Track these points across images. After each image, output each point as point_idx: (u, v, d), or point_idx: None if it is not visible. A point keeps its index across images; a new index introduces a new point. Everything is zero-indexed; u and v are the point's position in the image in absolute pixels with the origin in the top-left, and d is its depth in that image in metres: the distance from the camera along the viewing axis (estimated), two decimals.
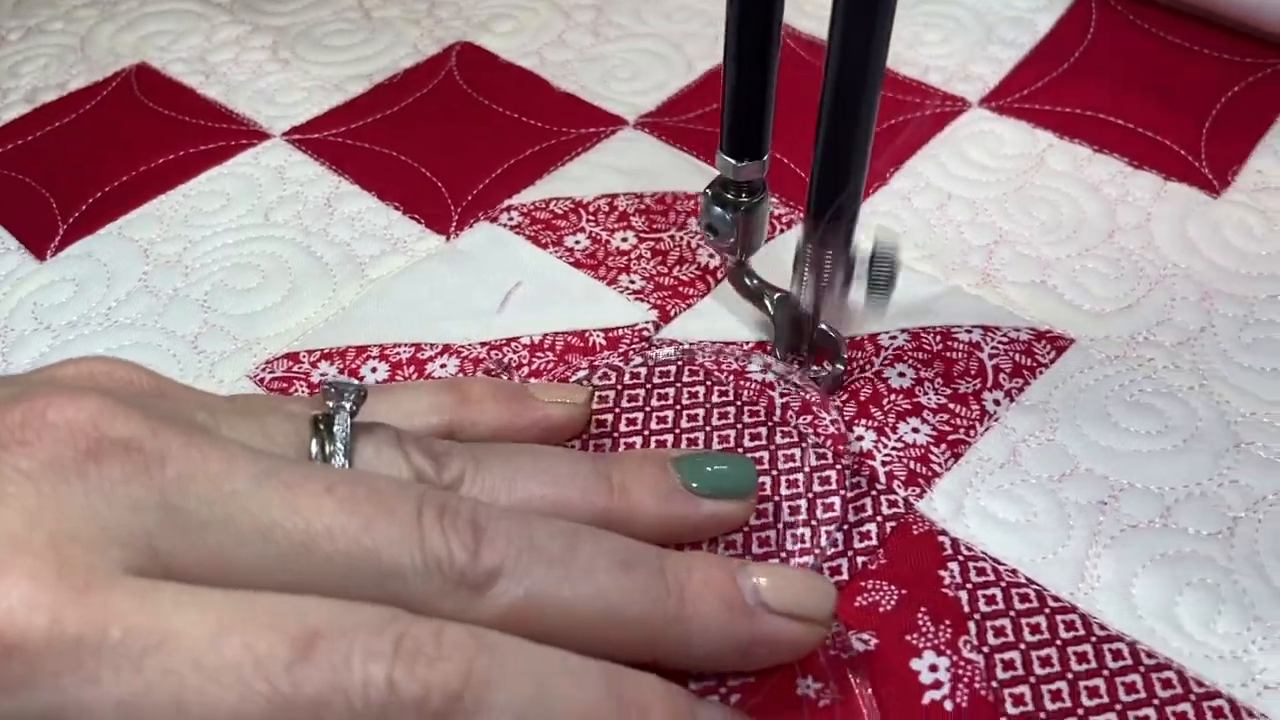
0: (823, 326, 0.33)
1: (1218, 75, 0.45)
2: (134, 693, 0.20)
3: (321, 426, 0.26)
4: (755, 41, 0.30)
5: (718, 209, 0.33)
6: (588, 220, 0.39)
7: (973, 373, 0.34)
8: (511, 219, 0.40)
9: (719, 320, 0.36)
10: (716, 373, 0.34)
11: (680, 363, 0.34)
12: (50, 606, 0.20)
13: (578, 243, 0.39)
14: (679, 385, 0.33)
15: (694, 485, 0.28)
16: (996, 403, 0.33)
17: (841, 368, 0.33)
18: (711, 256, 0.38)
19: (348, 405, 0.26)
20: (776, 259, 0.36)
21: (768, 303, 0.34)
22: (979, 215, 0.40)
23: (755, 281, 0.35)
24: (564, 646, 0.24)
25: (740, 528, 0.29)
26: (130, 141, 0.44)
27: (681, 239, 0.38)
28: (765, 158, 0.32)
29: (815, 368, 0.33)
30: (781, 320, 0.34)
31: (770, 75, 0.30)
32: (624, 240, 0.39)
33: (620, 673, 0.24)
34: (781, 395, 0.33)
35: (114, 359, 0.26)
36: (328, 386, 0.26)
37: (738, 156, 0.32)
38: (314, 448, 0.26)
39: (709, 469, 0.29)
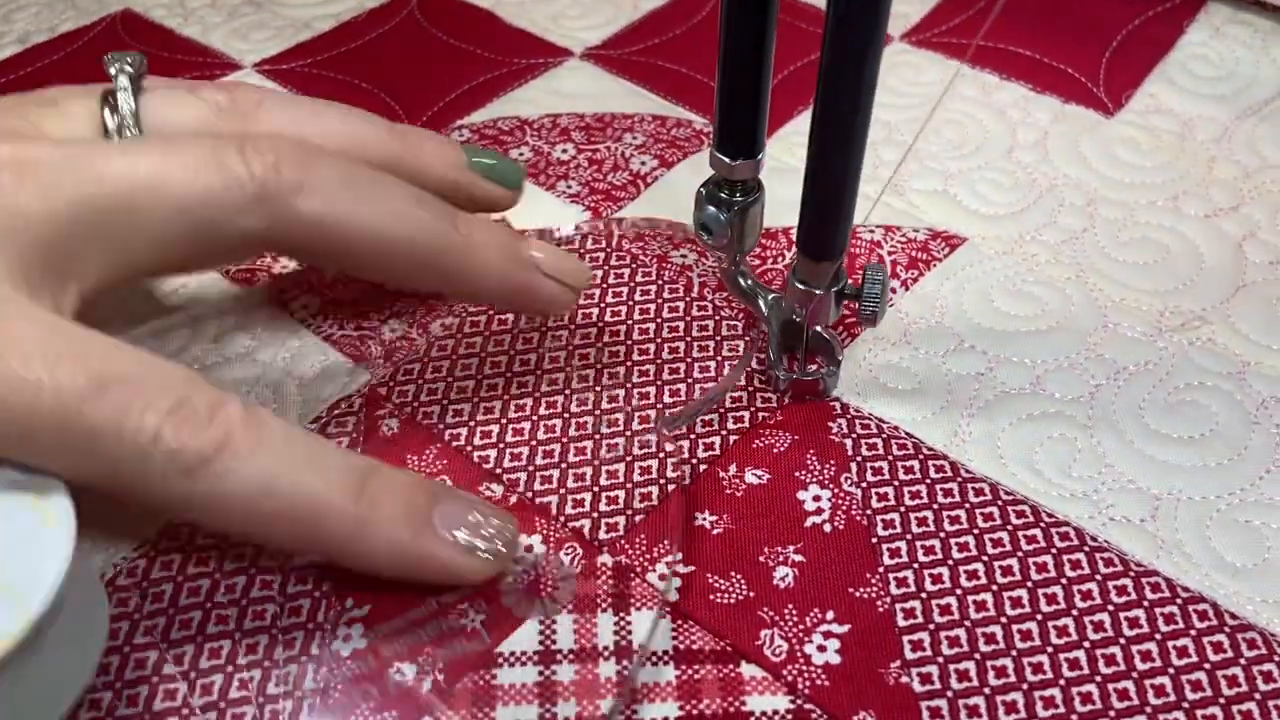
0: (817, 329, 0.33)
1: (1119, 11, 0.49)
2: None
3: (109, 99, 0.29)
4: (749, 38, 0.29)
5: (711, 208, 0.32)
6: (531, 135, 0.43)
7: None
8: (462, 135, 0.43)
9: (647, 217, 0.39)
10: (641, 256, 0.37)
11: (608, 250, 0.37)
12: None
13: (521, 154, 0.42)
14: (606, 268, 0.37)
15: (473, 161, 0.33)
16: (893, 290, 0.37)
17: (837, 370, 0.33)
18: (643, 164, 0.41)
19: (129, 71, 0.29)
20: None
21: (762, 304, 0.34)
22: (892, 134, 0.43)
23: (749, 282, 0.34)
24: (361, 267, 0.29)
25: (504, 208, 0.35)
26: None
27: (616, 150, 0.42)
28: (760, 156, 0.31)
29: (811, 368, 0.34)
30: (776, 323, 0.34)
31: (765, 72, 0.30)
32: (564, 152, 0.42)
33: (368, 465, 0.27)
34: (699, 276, 0.37)
35: None
36: (108, 58, 0.30)
37: (732, 155, 0.31)
38: (107, 120, 0.29)
39: (486, 159, 0.34)
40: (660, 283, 0.36)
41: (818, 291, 0.31)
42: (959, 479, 0.31)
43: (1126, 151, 0.42)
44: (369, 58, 0.48)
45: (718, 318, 0.35)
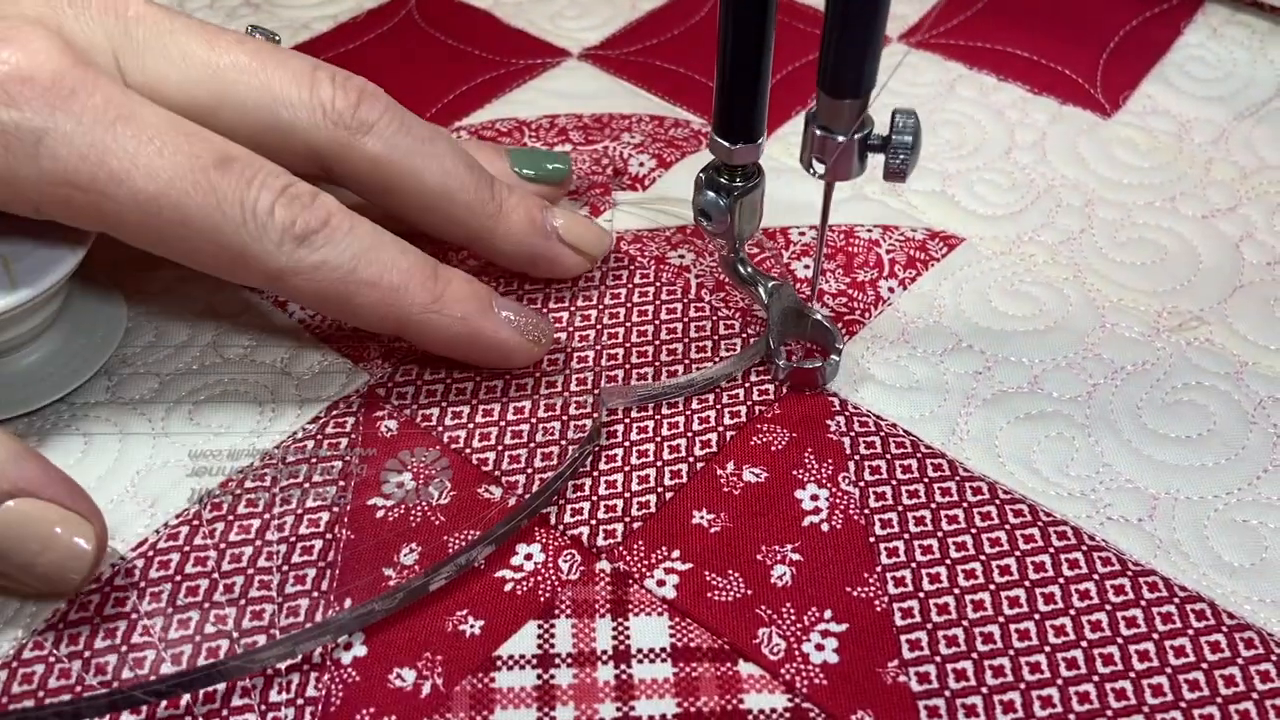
0: (818, 317, 0.33)
1: (1117, 12, 0.49)
2: (103, 140, 0.28)
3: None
4: (750, 20, 0.28)
5: (711, 194, 0.31)
6: (529, 136, 0.43)
7: (871, 264, 0.37)
8: (460, 137, 0.43)
9: (645, 217, 0.39)
10: (639, 258, 0.37)
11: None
12: (57, 63, 0.28)
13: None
14: (603, 269, 0.37)
15: (519, 172, 0.37)
16: (890, 289, 0.37)
17: (838, 359, 0.33)
18: (641, 165, 0.41)
19: (266, 39, 0.33)
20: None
21: (762, 291, 0.34)
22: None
23: (749, 269, 0.34)
24: (405, 208, 0.33)
25: (552, 200, 0.37)
26: None
27: (615, 150, 0.42)
28: (760, 141, 0.30)
29: (811, 359, 0.34)
30: (776, 310, 0.33)
31: (765, 55, 0.29)
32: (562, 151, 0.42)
33: (438, 262, 0.32)
34: (696, 277, 0.37)
35: None
36: (249, 30, 0.34)
37: (732, 139, 0.30)
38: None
39: (528, 168, 0.37)
40: (658, 284, 0.36)
41: (839, 138, 0.28)
42: (957, 477, 0.31)
43: (1124, 152, 0.42)
44: (367, 59, 0.48)
45: (715, 318, 0.35)
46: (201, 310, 0.35)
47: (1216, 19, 0.48)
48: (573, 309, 0.36)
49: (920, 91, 0.46)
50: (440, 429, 0.32)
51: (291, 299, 0.35)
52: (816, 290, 0.34)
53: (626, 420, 0.33)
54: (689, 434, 0.32)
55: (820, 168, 0.30)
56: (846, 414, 0.33)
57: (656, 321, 0.35)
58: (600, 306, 0.36)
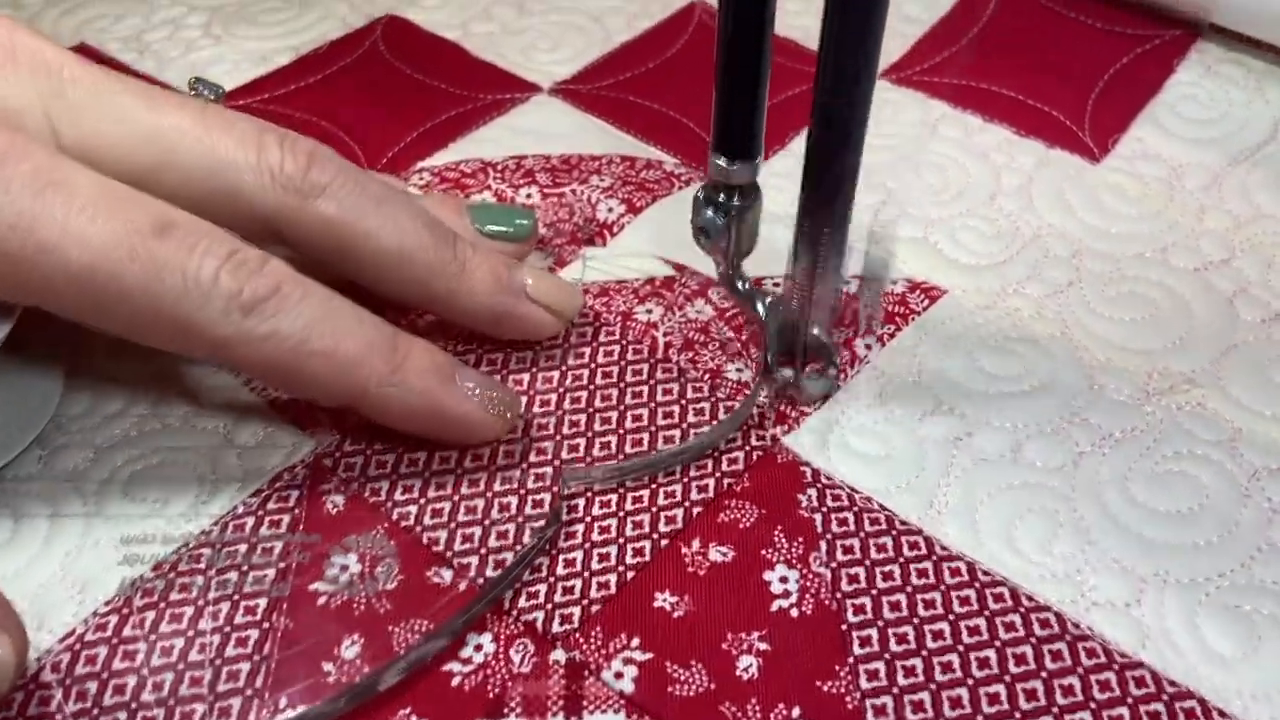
0: (815, 333, 0.33)
1: (1107, 47, 0.47)
2: (31, 209, 0.26)
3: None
4: (748, 36, 0.28)
5: (709, 212, 0.32)
6: (494, 178, 0.41)
7: (846, 322, 0.36)
8: (422, 179, 0.41)
9: (611, 269, 0.38)
10: (605, 314, 0.36)
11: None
12: None
13: (484, 200, 0.40)
14: (569, 327, 0.35)
15: (483, 229, 0.35)
16: (868, 347, 0.35)
17: (834, 374, 0.33)
18: (610, 210, 0.40)
19: (208, 96, 0.32)
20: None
21: (760, 308, 0.34)
22: (871, 177, 0.42)
23: (747, 285, 0.34)
24: (361, 271, 0.31)
25: (517, 258, 0.35)
26: None
27: (583, 194, 0.40)
28: (758, 159, 0.31)
29: (808, 374, 0.33)
30: (774, 325, 0.33)
31: (764, 71, 0.29)
32: (528, 196, 0.40)
33: (397, 330, 0.30)
34: (665, 335, 0.35)
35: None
36: (193, 82, 0.32)
37: (730, 157, 0.30)
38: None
39: (494, 224, 0.36)
40: (624, 343, 0.35)
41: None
42: (934, 557, 0.30)
43: (1113, 199, 0.41)
44: (327, 93, 0.46)
45: (683, 381, 0.34)
46: (141, 372, 0.34)
47: (1210, 57, 0.47)
48: (534, 371, 0.34)
49: (902, 131, 0.44)
50: (390, 504, 0.30)
51: (238, 370, 0.33)
52: (812, 305, 0.33)
53: (588, 493, 0.31)
54: (653, 508, 0.31)
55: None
56: (819, 486, 0.31)
57: (621, 384, 0.34)
58: (563, 368, 0.34)
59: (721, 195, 0.31)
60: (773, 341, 0.33)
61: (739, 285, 0.34)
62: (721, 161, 0.30)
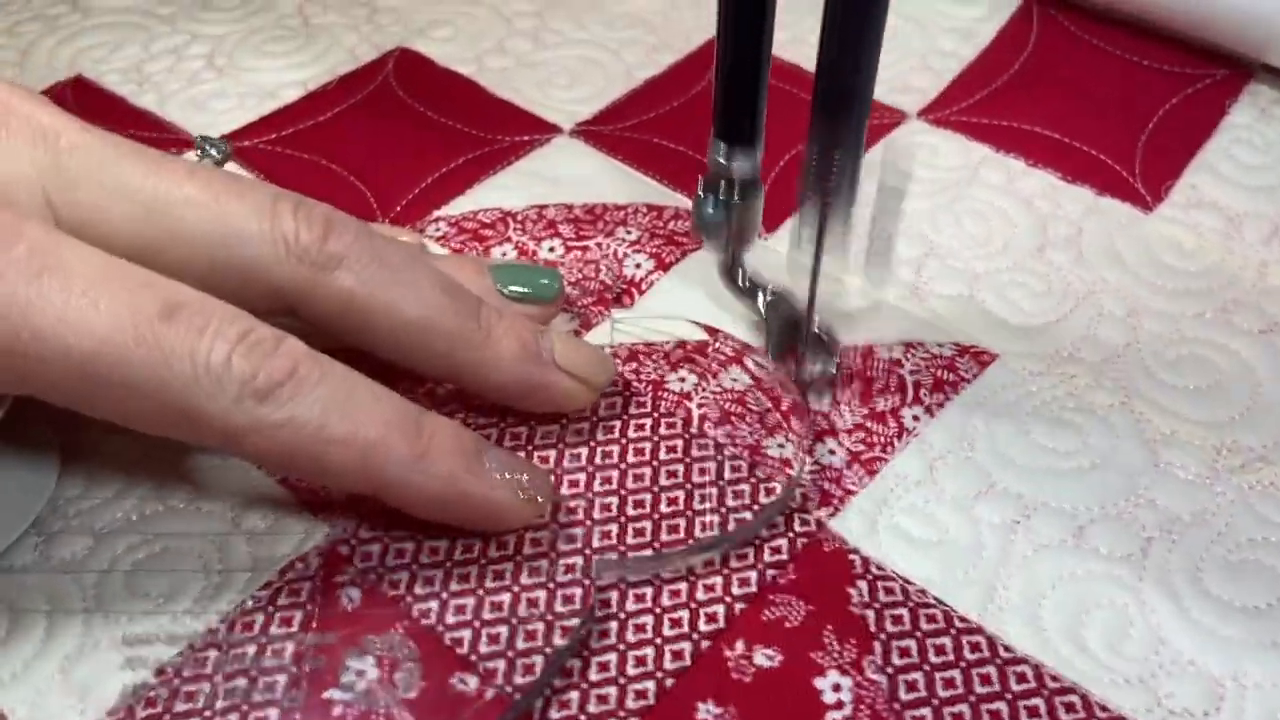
0: (816, 329, 0.33)
1: (1156, 87, 0.45)
2: (26, 295, 0.24)
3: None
4: (748, 19, 0.29)
5: (710, 205, 0.32)
6: (515, 229, 0.39)
7: (892, 389, 0.34)
8: (439, 230, 0.39)
9: (642, 330, 0.36)
10: (635, 382, 0.33)
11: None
12: None
13: (504, 253, 0.38)
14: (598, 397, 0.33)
15: (505, 290, 0.33)
16: (916, 418, 0.33)
17: (833, 369, 0.33)
18: (639, 267, 0.38)
19: (215, 158, 0.31)
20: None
21: (760, 302, 0.34)
22: (910, 226, 0.40)
23: (747, 280, 0.34)
24: (380, 344, 0.29)
25: (543, 321, 0.33)
26: None
27: (609, 247, 0.38)
28: (758, 151, 0.31)
29: (808, 368, 0.33)
30: (774, 320, 0.33)
31: (764, 54, 0.29)
32: (550, 250, 0.38)
33: (420, 409, 0.28)
34: (699, 406, 0.33)
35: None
36: (199, 141, 0.30)
37: (730, 140, 0.31)
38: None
39: (518, 285, 0.33)
40: (656, 415, 0.32)
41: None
42: (997, 660, 0.28)
43: (1169, 253, 0.39)
44: (338, 132, 0.44)
45: (720, 458, 0.31)
46: (141, 448, 0.31)
47: (1264, 98, 0.45)
48: (560, 447, 0.32)
49: (941, 176, 0.42)
50: (409, 599, 0.28)
51: (251, 460, 0.31)
52: (813, 304, 0.32)
53: (622, 585, 0.29)
54: (692, 603, 0.29)
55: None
56: (869, 578, 0.29)
57: (655, 462, 0.31)
58: (592, 444, 0.32)
59: (722, 189, 0.32)
60: (773, 335, 0.33)
61: (739, 280, 0.34)
62: (721, 151, 0.31)
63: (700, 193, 0.32)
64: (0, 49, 0.49)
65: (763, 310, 0.34)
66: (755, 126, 0.31)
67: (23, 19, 0.51)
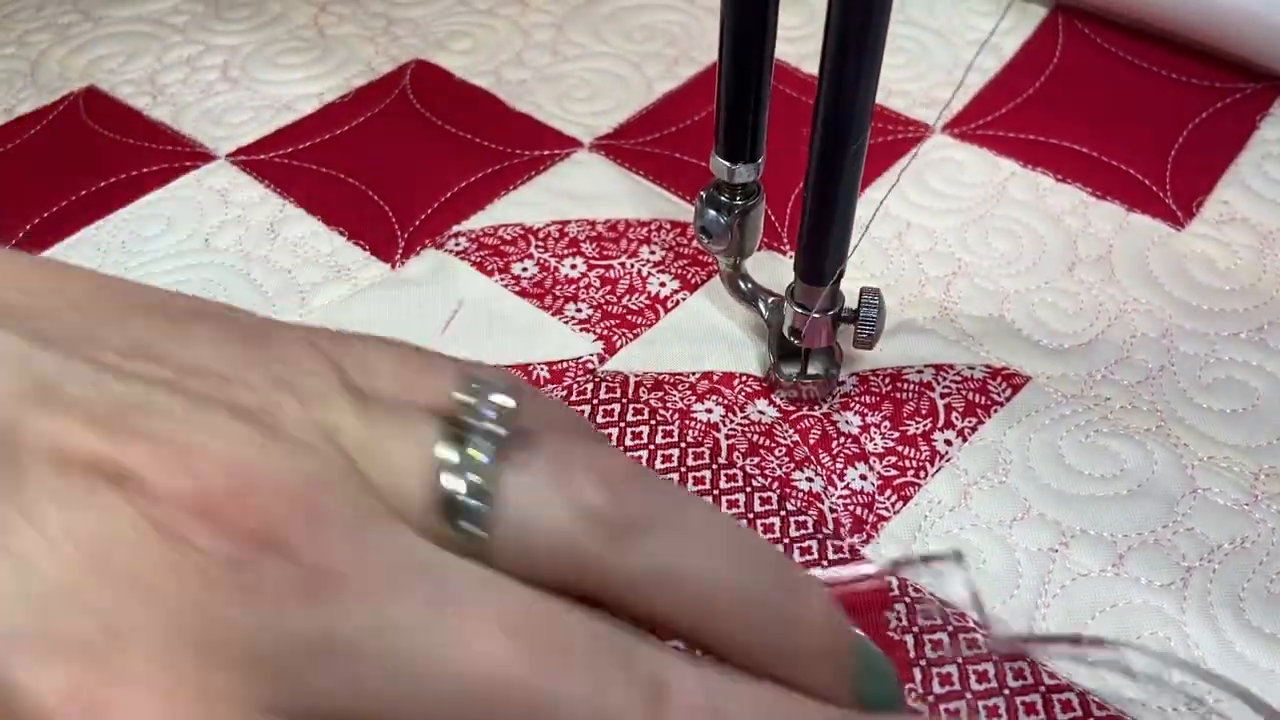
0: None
1: (1185, 101, 0.44)
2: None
3: (455, 453, 0.19)
4: (750, 41, 0.29)
5: (712, 212, 0.32)
6: (536, 246, 0.38)
7: (923, 413, 0.33)
8: (459, 245, 0.39)
9: (666, 349, 0.35)
10: (661, 410, 0.33)
11: (624, 402, 0.33)
12: None
13: (525, 270, 0.38)
14: (622, 425, 0.32)
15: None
16: (948, 442, 0.32)
17: (836, 374, 0.33)
18: (662, 285, 0.37)
19: (491, 421, 0.20)
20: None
21: (762, 307, 0.34)
22: (937, 245, 0.39)
23: (749, 285, 0.34)
24: (684, 616, 0.20)
25: None
26: (73, 166, 0.43)
27: (632, 267, 0.37)
28: (760, 160, 0.31)
29: (808, 375, 0.33)
30: (776, 326, 0.33)
31: (765, 75, 0.30)
32: (573, 268, 0.37)
33: None
34: (727, 438, 0.32)
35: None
36: (470, 385, 0.20)
37: (732, 158, 0.31)
38: (445, 469, 0.19)
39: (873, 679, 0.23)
40: (683, 445, 0.32)
41: (814, 315, 0.32)
42: (1042, 688, 0.27)
43: (1201, 271, 0.38)
44: (355, 145, 0.44)
45: (749, 489, 0.31)
46: None
47: None
48: None
49: (968, 193, 0.41)
50: None
51: None
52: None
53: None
54: None
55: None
56: (907, 600, 0.29)
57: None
58: None
59: (724, 195, 0.32)
60: (775, 341, 0.33)
61: (741, 285, 0.34)
62: (724, 162, 0.31)
63: (702, 197, 0.32)
64: (10, 59, 0.49)
65: (765, 315, 0.34)
66: (757, 142, 0.31)
67: (32, 28, 0.50)
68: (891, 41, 0.47)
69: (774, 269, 0.38)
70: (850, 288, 0.32)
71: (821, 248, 0.31)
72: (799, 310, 0.32)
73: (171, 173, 0.42)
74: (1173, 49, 0.46)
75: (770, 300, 0.34)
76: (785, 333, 0.33)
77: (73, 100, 0.46)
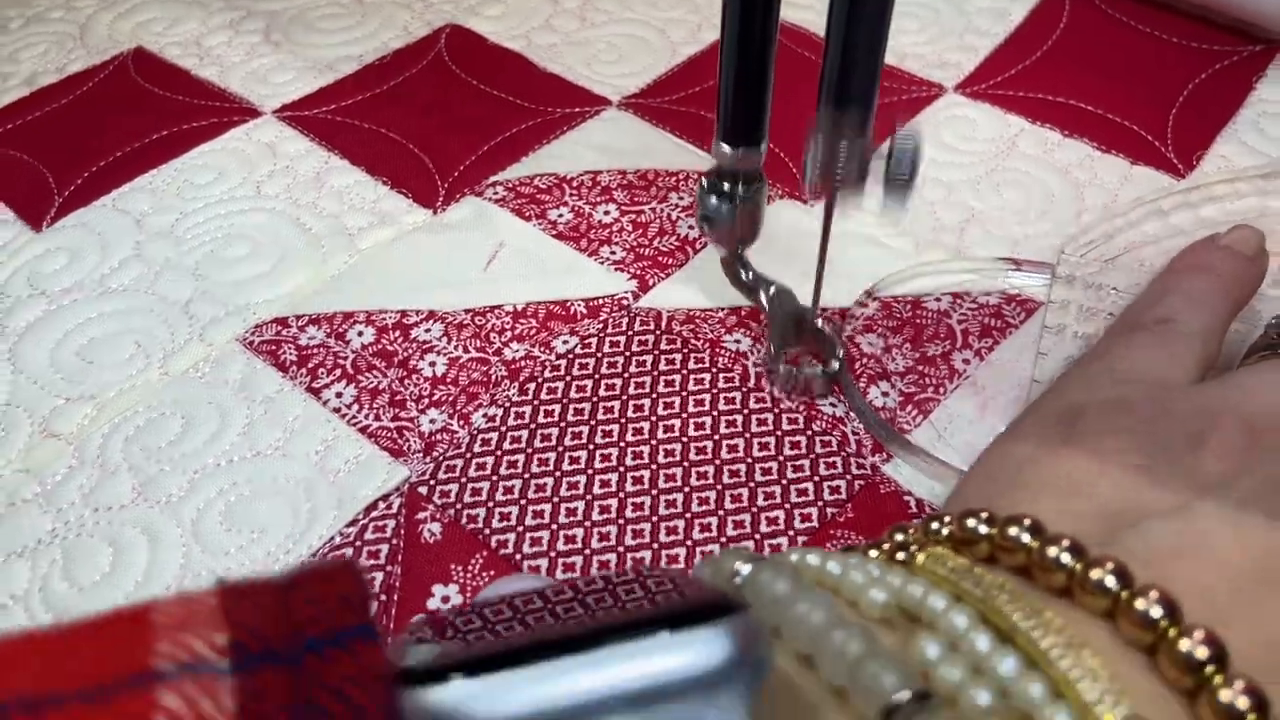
0: (818, 324, 0.33)
1: (1186, 62, 0.46)
2: None
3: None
4: (754, 26, 0.28)
5: (714, 199, 0.32)
6: (571, 194, 0.40)
7: (942, 336, 0.35)
8: (496, 193, 0.41)
9: (696, 289, 0.37)
10: (693, 341, 0.35)
11: (658, 334, 0.35)
12: None
13: (560, 216, 0.40)
14: (656, 353, 0.34)
15: None
16: (966, 361, 0.35)
17: (837, 366, 0.33)
18: (691, 228, 0.39)
19: None
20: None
21: (763, 297, 0.34)
22: (951, 195, 0.41)
23: (751, 274, 0.34)
24: None
25: None
26: (126, 120, 0.45)
27: (662, 212, 0.40)
28: (762, 146, 0.31)
29: (810, 367, 0.33)
30: (777, 316, 0.33)
31: (769, 60, 0.29)
32: (606, 214, 0.40)
33: None
34: (755, 365, 0.34)
35: None
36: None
37: (735, 144, 0.30)
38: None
39: None
40: (715, 370, 0.34)
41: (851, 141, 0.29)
42: None
43: (1202, 223, 0.40)
44: (394, 104, 0.46)
45: (777, 410, 0.33)
46: (232, 400, 0.33)
47: None
48: (624, 399, 0.33)
49: (978, 148, 0.43)
50: (487, 532, 0.30)
51: None
52: (818, 300, 0.33)
53: (687, 515, 0.30)
54: (756, 534, 0.30)
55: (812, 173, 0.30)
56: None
57: (714, 413, 0.33)
58: (654, 396, 0.33)
59: (726, 182, 0.31)
60: (776, 331, 0.33)
61: (742, 274, 0.34)
62: (726, 149, 0.30)
63: (704, 188, 0.32)
64: (59, 22, 0.51)
65: (766, 305, 0.34)
66: (759, 128, 0.30)
67: None
68: (905, 7, 0.49)
69: (795, 219, 0.40)
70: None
71: (861, 60, 0.28)
72: (829, 140, 0.29)
73: (220, 127, 0.44)
74: (1174, 14, 0.48)
75: (772, 290, 0.34)
76: (815, 171, 0.30)
77: (122, 60, 0.48)
